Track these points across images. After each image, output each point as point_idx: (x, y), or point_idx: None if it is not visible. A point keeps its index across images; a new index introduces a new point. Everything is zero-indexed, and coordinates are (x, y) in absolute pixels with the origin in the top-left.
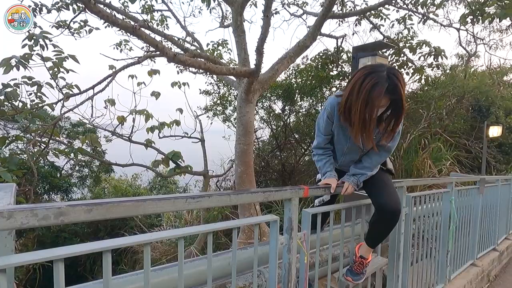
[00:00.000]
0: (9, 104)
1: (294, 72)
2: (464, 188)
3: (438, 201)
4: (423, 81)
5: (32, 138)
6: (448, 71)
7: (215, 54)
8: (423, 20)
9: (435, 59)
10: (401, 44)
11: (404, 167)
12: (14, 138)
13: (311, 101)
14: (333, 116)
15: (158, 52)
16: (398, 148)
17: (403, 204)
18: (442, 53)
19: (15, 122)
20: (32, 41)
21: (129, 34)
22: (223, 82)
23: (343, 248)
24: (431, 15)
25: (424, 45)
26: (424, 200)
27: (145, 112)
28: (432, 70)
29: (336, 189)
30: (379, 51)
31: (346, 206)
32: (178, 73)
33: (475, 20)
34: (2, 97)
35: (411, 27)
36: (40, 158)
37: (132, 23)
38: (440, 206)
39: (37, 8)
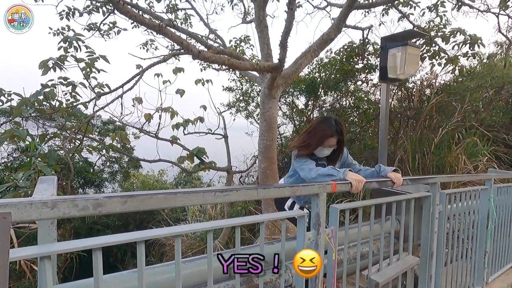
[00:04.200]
0: (47, 104)
1: (317, 66)
2: (505, 185)
3: (475, 199)
4: (457, 72)
5: (68, 135)
6: (485, 60)
7: (237, 51)
8: (457, 6)
9: (471, 48)
10: (432, 33)
11: (435, 163)
12: (52, 135)
13: (335, 95)
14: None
15: (183, 50)
16: (428, 143)
17: (437, 201)
18: (479, 41)
19: (52, 121)
20: (67, 43)
21: (155, 33)
22: (246, 78)
23: (372, 246)
24: (466, 1)
25: (459, 33)
26: (459, 197)
27: (170, 109)
28: (467, 60)
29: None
30: (410, 41)
31: (376, 203)
32: (201, 70)
33: None
34: (41, 97)
35: (444, 15)
36: (76, 154)
37: (158, 22)
38: (477, 204)
39: (70, 12)
